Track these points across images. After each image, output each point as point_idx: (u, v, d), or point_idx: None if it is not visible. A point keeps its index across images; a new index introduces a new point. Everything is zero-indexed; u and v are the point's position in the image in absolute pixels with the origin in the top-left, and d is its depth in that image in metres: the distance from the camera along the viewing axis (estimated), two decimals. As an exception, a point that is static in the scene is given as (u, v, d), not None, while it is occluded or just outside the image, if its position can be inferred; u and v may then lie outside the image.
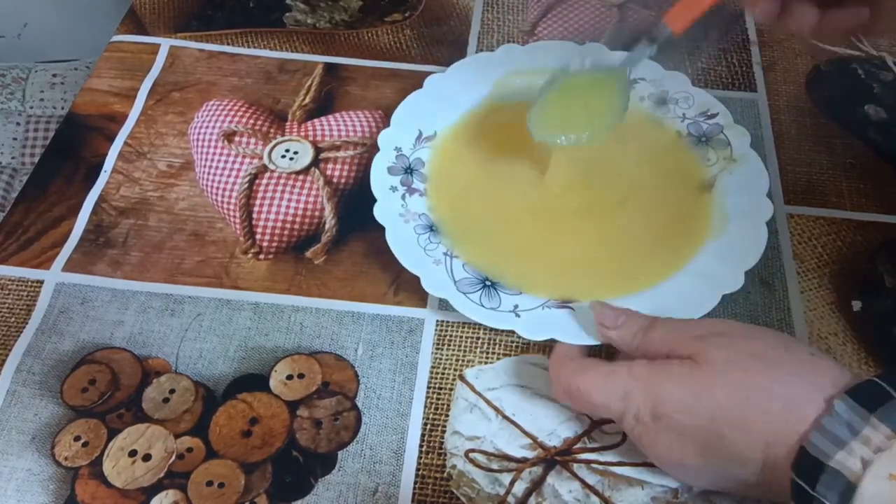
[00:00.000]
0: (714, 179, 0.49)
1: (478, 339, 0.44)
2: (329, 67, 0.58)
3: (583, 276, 0.45)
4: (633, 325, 0.38)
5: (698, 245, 0.45)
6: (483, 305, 0.42)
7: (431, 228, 0.46)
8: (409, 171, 0.48)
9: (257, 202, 0.49)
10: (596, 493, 0.38)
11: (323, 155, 0.51)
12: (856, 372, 0.37)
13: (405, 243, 0.44)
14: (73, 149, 0.52)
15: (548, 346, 0.43)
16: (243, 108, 0.54)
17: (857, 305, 0.45)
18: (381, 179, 0.47)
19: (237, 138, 0.52)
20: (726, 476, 0.34)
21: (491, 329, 0.44)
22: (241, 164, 0.51)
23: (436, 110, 0.51)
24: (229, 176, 0.50)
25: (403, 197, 0.47)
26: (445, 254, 0.45)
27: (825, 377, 0.32)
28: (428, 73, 0.54)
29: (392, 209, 0.46)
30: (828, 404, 0.30)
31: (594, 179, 0.50)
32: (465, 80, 0.53)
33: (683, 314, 0.41)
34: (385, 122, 0.50)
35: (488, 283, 0.44)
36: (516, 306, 0.43)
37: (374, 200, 0.46)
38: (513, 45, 0.55)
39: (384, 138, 0.49)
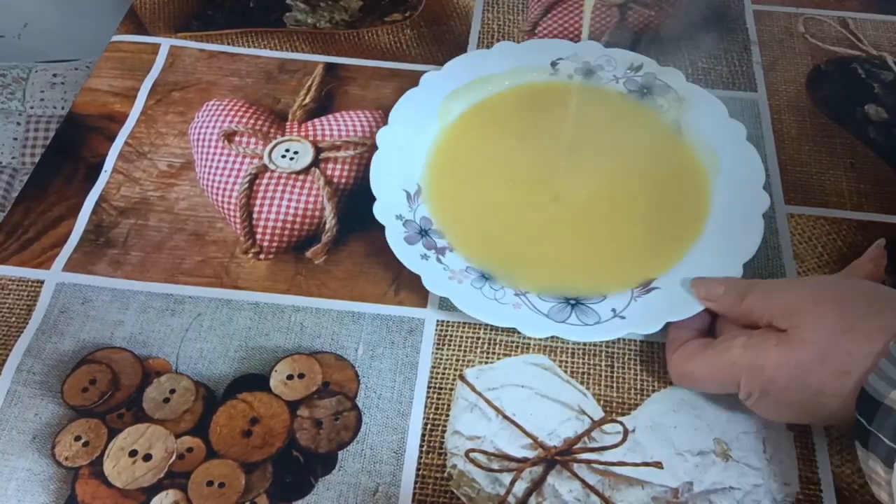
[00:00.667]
0: (678, 122, 0.51)
1: (478, 339, 0.44)
2: (329, 67, 0.58)
3: (582, 273, 0.45)
4: (732, 294, 0.40)
5: (695, 238, 0.46)
6: (484, 303, 0.42)
7: (431, 227, 0.46)
8: (409, 171, 0.48)
9: (257, 202, 0.49)
10: (596, 492, 0.38)
11: (323, 155, 0.51)
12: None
13: (405, 242, 0.44)
14: (73, 149, 0.52)
15: (548, 346, 0.43)
16: (243, 108, 0.54)
17: (857, 305, 0.45)
18: (382, 181, 0.47)
19: (237, 138, 0.52)
20: (822, 418, 0.38)
21: (491, 329, 0.44)
22: (242, 163, 0.51)
23: (434, 108, 0.51)
24: (229, 176, 0.50)
25: (407, 198, 0.47)
26: (446, 252, 0.45)
27: None
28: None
29: (392, 209, 0.46)
30: (885, 348, 0.33)
31: (580, 171, 0.50)
32: (463, 76, 0.53)
33: (684, 310, 0.41)
34: (385, 121, 0.50)
35: (489, 280, 0.44)
36: (518, 304, 0.43)
37: (375, 200, 0.46)
38: (509, 42, 0.55)
39: (382, 137, 0.49)
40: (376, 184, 0.46)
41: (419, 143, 0.50)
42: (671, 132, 0.51)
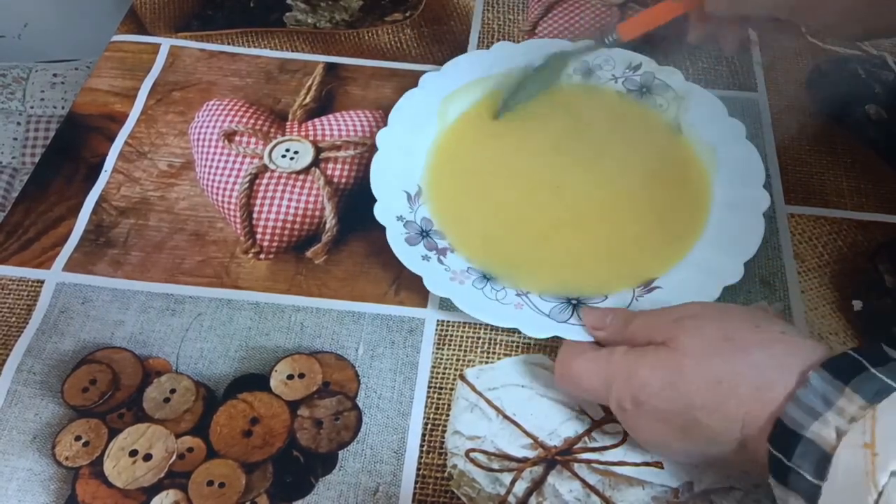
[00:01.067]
0: (677, 120, 0.51)
1: (478, 338, 0.44)
2: (329, 67, 0.58)
3: (583, 272, 0.45)
4: (618, 321, 0.39)
5: (695, 237, 0.46)
6: (485, 304, 0.42)
7: (432, 228, 0.46)
8: (409, 172, 0.48)
9: (258, 202, 0.49)
10: (596, 492, 0.38)
11: (323, 155, 0.51)
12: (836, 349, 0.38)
13: (406, 244, 0.44)
14: (73, 149, 0.52)
15: (549, 346, 0.43)
16: (244, 108, 0.54)
17: (857, 305, 0.45)
18: (382, 182, 0.47)
19: (237, 138, 0.52)
20: (708, 454, 0.35)
21: (491, 329, 0.44)
22: (242, 163, 0.51)
23: (433, 108, 0.51)
24: (230, 176, 0.50)
25: (408, 199, 0.47)
26: (447, 253, 0.45)
27: (796, 354, 0.32)
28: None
29: (393, 210, 0.46)
30: (802, 378, 0.31)
31: (580, 171, 0.50)
32: (462, 77, 0.53)
33: None
34: (385, 122, 0.50)
35: (490, 281, 0.44)
36: (519, 304, 0.43)
37: (375, 200, 0.46)
38: (507, 42, 0.55)
39: (382, 138, 0.49)
40: (377, 185, 0.46)
41: (419, 143, 0.50)
42: (671, 131, 0.51)
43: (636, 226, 0.47)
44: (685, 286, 0.43)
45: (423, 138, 0.50)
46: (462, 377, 0.42)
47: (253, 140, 0.52)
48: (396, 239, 0.44)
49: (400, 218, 0.46)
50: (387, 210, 0.45)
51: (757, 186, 0.47)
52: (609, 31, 0.52)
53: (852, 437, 0.28)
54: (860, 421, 0.28)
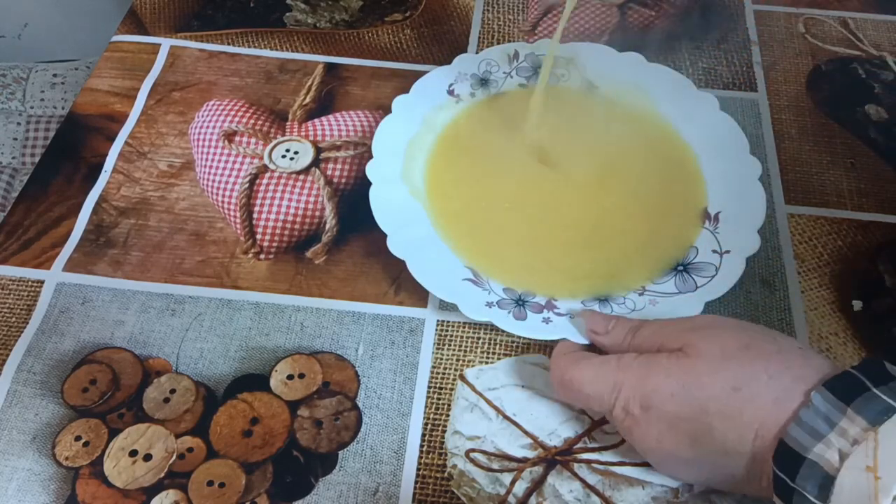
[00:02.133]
0: (587, 81, 0.52)
1: (478, 339, 0.44)
2: (329, 67, 0.58)
3: (583, 275, 0.45)
4: (623, 329, 0.39)
5: (689, 241, 0.46)
6: (486, 307, 0.42)
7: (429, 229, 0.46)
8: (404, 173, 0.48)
9: (258, 202, 0.49)
10: (596, 492, 0.38)
11: (323, 155, 0.51)
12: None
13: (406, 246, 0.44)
14: (73, 149, 0.52)
15: (549, 346, 0.43)
16: (244, 108, 0.54)
17: (857, 305, 0.45)
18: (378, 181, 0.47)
19: (237, 138, 0.52)
20: (716, 469, 0.34)
21: (491, 328, 0.44)
22: (242, 163, 0.51)
23: (425, 112, 0.51)
24: (230, 176, 0.50)
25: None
26: (446, 253, 0.45)
27: (811, 368, 0.32)
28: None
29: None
30: (806, 397, 0.31)
31: (582, 168, 0.50)
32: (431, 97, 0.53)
33: (684, 311, 0.41)
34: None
35: (485, 282, 0.44)
36: (548, 319, 0.42)
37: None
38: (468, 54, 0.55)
39: (372, 171, 0.47)
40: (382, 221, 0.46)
41: (413, 175, 0.50)
42: (665, 130, 0.51)
43: (629, 230, 0.47)
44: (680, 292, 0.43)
45: (419, 139, 0.50)
46: (462, 377, 0.42)
47: (253, 140, 0.52)
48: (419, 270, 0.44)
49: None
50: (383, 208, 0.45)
51: (744, 155, 0.48)
52: None
53: (855, 459, 0.28)
54: (862, 444, 0.28)
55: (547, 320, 0.42)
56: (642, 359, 0.35)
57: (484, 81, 0.53)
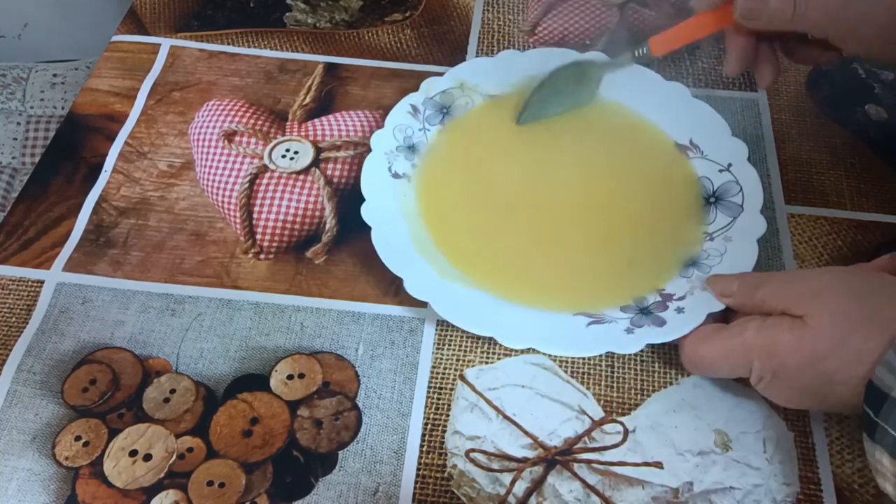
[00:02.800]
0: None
1: (478, 339, 0.44)
2: (329, 67, 0.58)
3: (570, 288, 0.45)
4: (746, 287, 0.40)
5: (686, 256, 0.46)
6: (464, 311, 0.42)
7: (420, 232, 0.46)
8: (398, 175, 0.48)
9: (258, 202, 0.49)
10: (596, 492, 0.38)
11: (323, 155, 0.51)
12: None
13: (392, 245, 0.44)
14: (73, 149, 0.52)
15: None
16: (244, 108, 0.54)
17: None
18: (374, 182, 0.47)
19: (237, 138, 0.52)
20: (832, 408, 0.38)
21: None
22: (242, 163, 0.51)
23: (431, 113, 0.51)
24: (230, 176, 0.50)
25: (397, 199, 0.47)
26: (432, 257, 0.45)
27: None
28: (428, 73, 0.54)
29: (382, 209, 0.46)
30: (892, 339, 0.33)
31: (586, 182, 0.50)
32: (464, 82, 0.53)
33: (676, 328, 0.41)
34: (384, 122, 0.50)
35: (472, 289, 0.44)
36: (497, 316, 0.42)
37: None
38: (514, 51, 0.55)
39: (377, 140, 0.48)
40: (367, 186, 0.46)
41: (413, 146, 0.50)
42: (669, 144, 0.51)
43: (630, 243, 0.47)
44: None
45: (417, 143, 0.50)
46: (462, 377, 0.42)
47: (253, 140, 0.52)
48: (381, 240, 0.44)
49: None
50: (376, 209, 0.45)
51: (739, 150, 0.48)
52: (640, 45, 0.49)
53: None
54: None
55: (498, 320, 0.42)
56: (764, 331, 0.37)
57: (446, 109, 0.52)
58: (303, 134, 0.53)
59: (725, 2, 0.45)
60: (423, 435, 0.40)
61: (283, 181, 0.50)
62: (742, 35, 0.46)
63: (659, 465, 0.39)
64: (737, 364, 0.38)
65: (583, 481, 0.39)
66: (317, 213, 0.49)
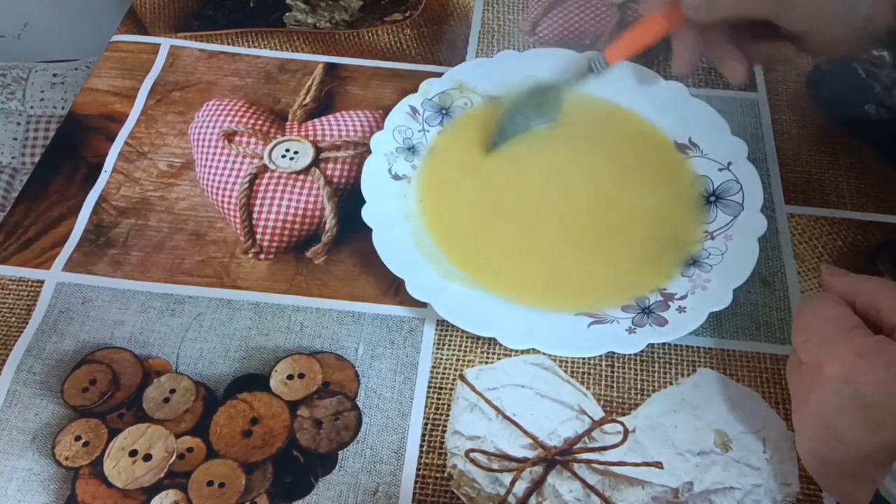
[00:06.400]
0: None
1: (478, 339, 0.44)
2: (329, 67, 0.58)
3: (571, 288, 0.45)
4: (840, 285, 0.38)
5: (687, 255, 0.46)
6: (466, 312, 0.42)
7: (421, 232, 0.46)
8: (398, 177, 0.48)
9: (258, 202, 0.49)
10: (596, 492, 0.38)
11: (323, 155, 0.51)
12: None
13: (393, 247, 0.44)
14: (73, 149, 0.52)
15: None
16: (243, 108, 0.54)
17: (857, 305, 0.45)
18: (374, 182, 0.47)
19: (237, 138, 0.52)
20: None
21: (491, 329, 0.44)
22: (242, 163, 0.51)
23: (430, 114, 0.51)
24: (230, 176, 0.50)
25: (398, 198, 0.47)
26: (433, 258, 0.45)
27: None
28: (428, 73, 0.54)
29: (382, 211, 0.46)
30: None
31: (585, 187, 0.50)
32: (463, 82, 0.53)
33: (678, 328, 0.41)
34: (384, 122, 0.50)
35: (473, 289, 0.44)
36: (499, 317, 0.42)
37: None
38: (511, 50, 0.55)
39: (377, 141, 0.48)
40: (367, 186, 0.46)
41: (414, 147, 0.50)
42: (665, 140, 0.51)
43: (629, 244, 0.47)
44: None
45: (417, 143, 0.50)
46: (462, 377, 0.42)
47: (253, 140, 0.52)
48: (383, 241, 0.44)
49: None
50: (376, 212, 0.45)
51: (738, 148, 0.49)
52: (595, 58, 0.48)
53: None
54: None
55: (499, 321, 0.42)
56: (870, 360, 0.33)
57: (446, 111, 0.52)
58: (303, 134, 0.53)
59: (672, 1, 0.44)
60: (423, 435, 0.40)
61: (282, 181, 0.50)
62: (689, 31, 0.44)
63: (659, 465, 0.39)
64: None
65: (583, 481, 0.39)
66: (317, 213, 0.49)
